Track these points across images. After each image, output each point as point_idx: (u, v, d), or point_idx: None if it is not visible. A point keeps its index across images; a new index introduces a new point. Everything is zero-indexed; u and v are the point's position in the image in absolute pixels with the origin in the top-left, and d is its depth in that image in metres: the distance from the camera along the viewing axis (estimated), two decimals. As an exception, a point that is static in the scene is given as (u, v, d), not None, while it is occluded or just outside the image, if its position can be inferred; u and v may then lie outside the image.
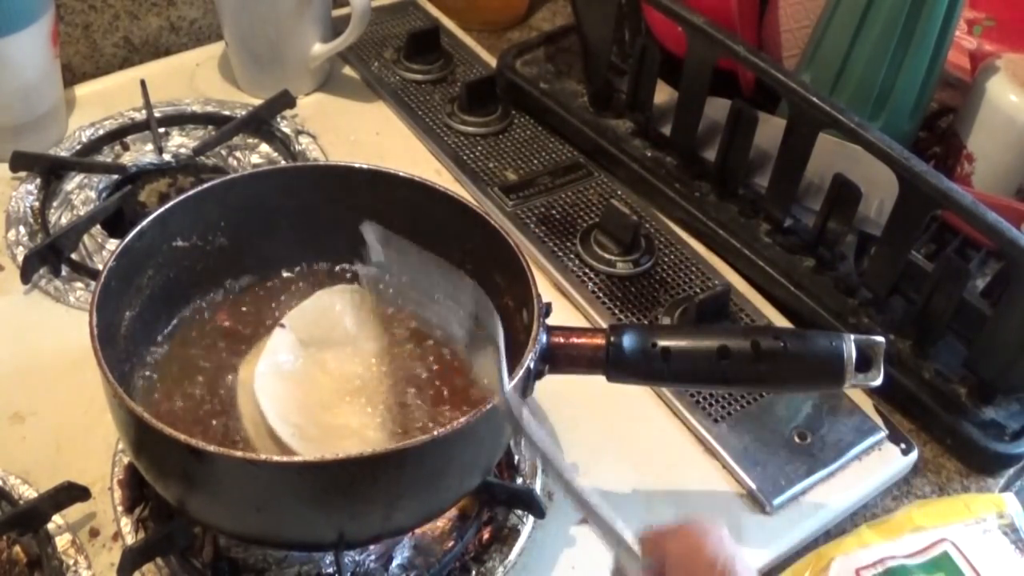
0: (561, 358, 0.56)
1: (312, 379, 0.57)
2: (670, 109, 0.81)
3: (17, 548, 0.56)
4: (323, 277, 0.65)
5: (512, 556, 0.59)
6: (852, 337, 0.55)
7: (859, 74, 0.73)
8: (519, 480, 0.62)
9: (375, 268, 0.55)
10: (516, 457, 0.63)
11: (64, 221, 0.76)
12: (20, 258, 0.72)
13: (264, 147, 0.85)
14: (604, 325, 0.67)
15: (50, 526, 0.57)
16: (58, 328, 0.69)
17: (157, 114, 0.84)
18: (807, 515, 0.63)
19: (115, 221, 0.76)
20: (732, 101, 0.75)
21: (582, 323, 0.73)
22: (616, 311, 0.73)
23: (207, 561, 0.56)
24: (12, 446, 0.62)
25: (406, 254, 0.53)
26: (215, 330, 0.62)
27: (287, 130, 0.85)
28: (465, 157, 0.85)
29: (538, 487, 0.62)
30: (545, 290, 0.71)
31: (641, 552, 0.44)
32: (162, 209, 0.58)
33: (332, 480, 0.48)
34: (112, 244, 0.74)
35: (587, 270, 0.76)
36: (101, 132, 0.83)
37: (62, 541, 0.57)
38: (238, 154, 0.83)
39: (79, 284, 0.71)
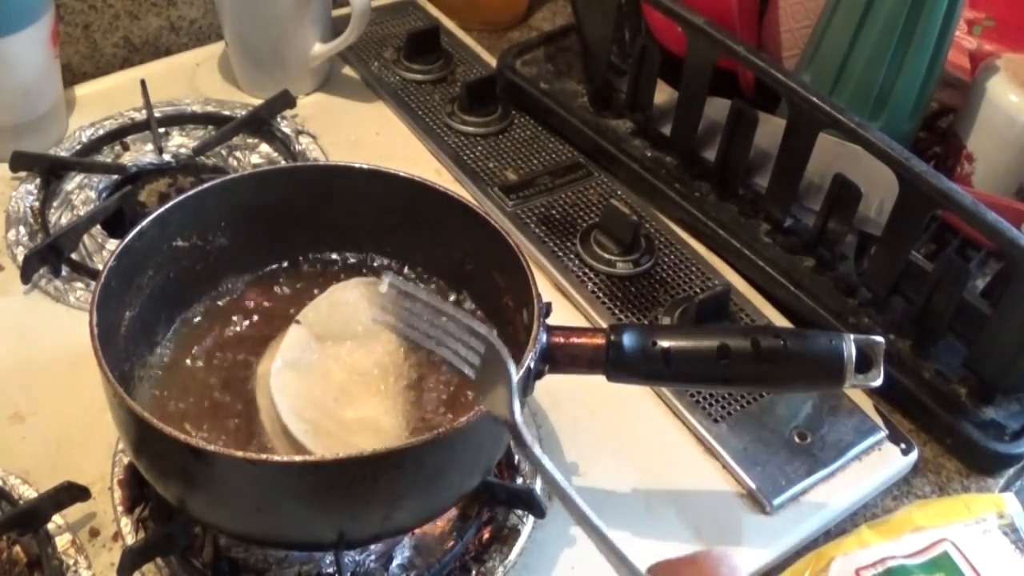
0: (561, 358, 0.56)
1: (328, 373, 0.57)
2: (670, 109, 0.81)
3: (17, 548, 0.56)
4: (323, 276, 0.65)
5: (512, 556, 0.59)
6: (852, 337, 0.55)
7: (859, 74, 0.73)
8: (519, 480, 0.62)
9: (385, 311, 0.55)
10: (516, 457, 0.63)
11: (64, 221, 0.76)
12: (20, 258, 0.72)
13: (264, 147, 0.85)
14: (604, 325, 0.67)
15: (50, 526, 0.57)
16: (58, 328, 0.69)
17: (157, 114, 0.84)
18: (807, 515, 0.63)
19: (115, 221, 0.76)
20: (732, 101, 0.75)
21: (582, 323, 0.73)
22: (616, 311, 0.73)
23: (207, 561, 0.56)
24: (12, 446, 0.62)
25: (418, 304, 0.53)
26: (215, 329, 0.62)
27: (287, 130, 0.85)
28: (465, 157, 0.85)
29: (538, 487, 0.62)
30: (545, 290, 0.71)
31: None
32: (162, 209, 0.58)
33: (332, 480, 0.48)
34: (112, 244, 0.74)
35: (587, 270, 0.76)
36: (101, 132, 0.83)
37: (62, 541, 0.57)
38: (238, 154, 0.84)
39: (79, 284, 0.71)
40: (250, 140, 0.85)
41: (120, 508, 0.59)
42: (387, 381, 0.57)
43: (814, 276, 0.74)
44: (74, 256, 0.73)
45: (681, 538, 0.61)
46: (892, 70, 0.72)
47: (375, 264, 0.66)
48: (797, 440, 0.66)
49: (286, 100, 0.85)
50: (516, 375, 0.48)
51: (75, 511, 0.58)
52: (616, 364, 0.56)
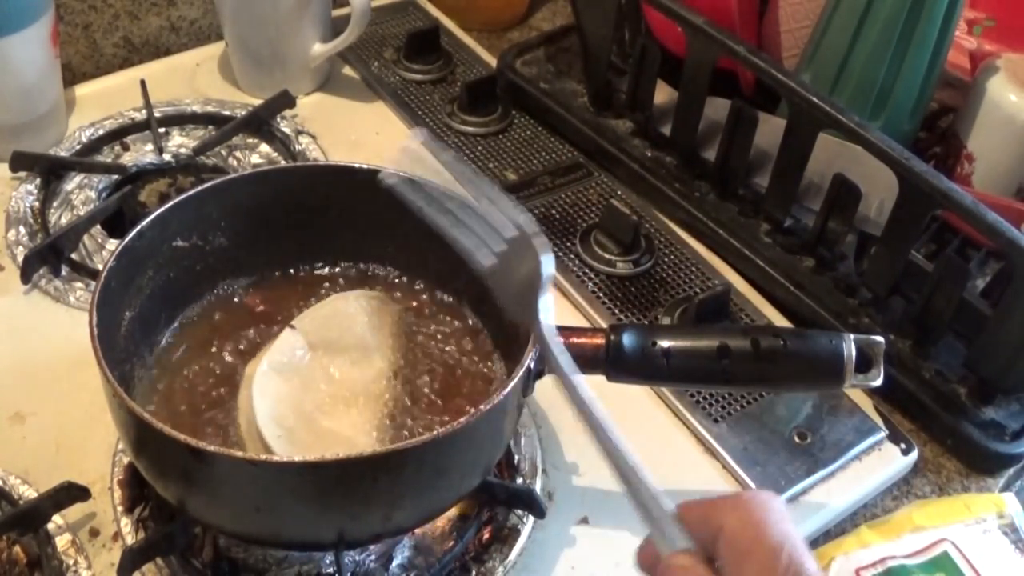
0: (561, 358, 0.56)
1: (314, 382, 0.57)
2: (670, 109, 0.81)
3: (17, 548, 0.56)
4: (324, 277, 0.65)
5: (512, 556, 0.58)
6: (852, 337, 0.55)
7: (859, 74, 0.73)
8: (519, 480, 0.62)
9: (400, 167, 0.50)
10: (516, 457, 0.63)
11: (64, 221, 0.76)
12: (20, 258, 0.72)
13: (264, 147, 0.85)
14: (604, 325, 0.67)
15: (50, 526, 0.57)
16: (58, 328, 0.69)
17: (157, 114, 0.84)
18: (807, 515, 0.63)
19: (115, 221, 0.76)
20: (732, 101, 0.75)
21: (582, 323, 0.73)
22: (616, 311, 0.73)
23: (207, 561, 0.56)
24: (12, 446, 0.62)
25: (446, 159, 0.49)
26: (215, 330, 0.62)
27: (287, 130, 0.85)
28: (465, 157, 0.85)
29: (538, 487, 0.62)
30: (545, 290, 0.71)
31: (682, 528, 0.37)
32: (162, 209, 0.58)
33: (332, 480, 0.48)
34: (112, 244, 0.74)
35: (587, 270, 0.76)
36: (101, 132, 0.83)
37: (62, 541, 0.57)
38: (238, 154, 0.83)
39: (79, 284, 0.71)
40: (250, 140, 0.85)
41: (120, 508, 0.59)
42: (371, 399, 0.57)
43: (814, 276, 0.74)
44: (74, 256, 0.73)
45: (681, 538, 0.61)
46: (892, 70, 0.72)
47: (375, 265, 0.66)
48: (797, 440, 0.66)
49: (286, 100, 0.85)
50: (550, 270, 0.44)
51: (75, 511, 0.57)
52: (616, 364, 0.56)
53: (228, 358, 0.60)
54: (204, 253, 0.62)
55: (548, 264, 0.44)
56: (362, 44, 0.95)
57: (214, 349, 0.60)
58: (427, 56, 0.94)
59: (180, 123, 0.85)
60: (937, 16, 0.70)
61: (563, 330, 0.56)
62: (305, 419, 0.55)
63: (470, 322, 0.64)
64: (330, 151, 0.85)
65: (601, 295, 0.74)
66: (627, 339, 0.56)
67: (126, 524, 0.58)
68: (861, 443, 0.66)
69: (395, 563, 0.57)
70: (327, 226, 0.64)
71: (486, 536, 0.59)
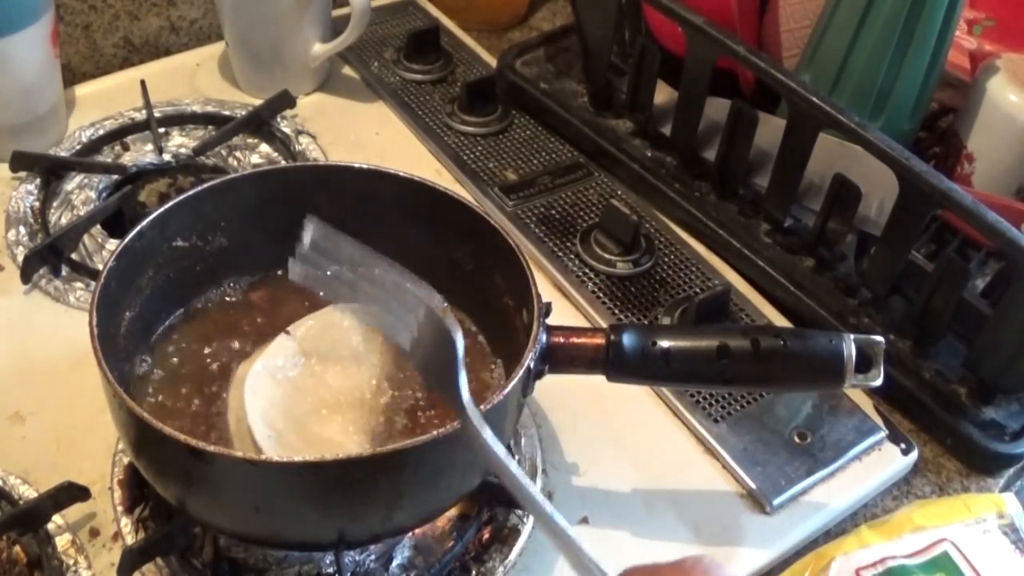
0: (561, 358, 0.56)
1: (306, 389, 0.57)
2: (670, 109, 0.81)
3: (17, 548, 0.56)
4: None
5: (512, 556, 0.59)
6: (852, 337, 0.55)
7: (859, 74, 0.73)
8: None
9: (304, 263, 0.51)
10: (516, 457, 0.63)
11: (64, 221, 0.76)
12: (20, 258, 0.72)
13: (264, 147, 0.85)
14: (604, 325, 0.67)
15: (50, 526, 0.57)
16: (58, 328, 0.69)
17: (157, 114, 0.84)
18: (807, 515, 0.63)
19: (115, 221, 0.76)
20: (732, 101, 0.75)
21: (582, 323, 0.73)
22: (616, 311, 0.73)
23: (207, 561, 0.56)
24: (12, 446, 0.62)
25: (347, 250, 0.49)
26: (215, 330, 0.62)
27: (287, 130, 0.85)
28: (465, 157, 0.85)
29: (538, 487, 0.62)
30: (545, 290, 0.71)
31: None
32: (162, 209, 0.58)
33: (332, 480, 0.48)
34: (112, 244, 0.74)
35: (587, 270, 0.76)
36: (101, 132, 0.83)
37: (62, 541, 0.57)
38: (238, 154, 0.84)
39: (79, 284, 0.71)
40: (250, 140, 0.85)
41: (120, 508, 0.59)
42: (362, 408, 0.57)
43: (814, 276, 0.74)
44: (74, 256, 0.73)
45: (681, 538, 0.61)
46: (892, 70, 0.72)
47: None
48: (797, 440, 0.66)
49: (286, 100, 0.85)
50: (462, 348, 0.45)
51: (75, 511, 0.58)
52: (616, 364, 0.56)
53: (228, 358, 0.60)
54: (204, 253, 0.62)
55: (460, 343, 0.45)
56: (362, 44, 0.95)
57: (214, 349, 0.60)
58: (427, 56, 0.94)
59: (180, 123, 0.85)
60: (937, 16, 0.70)
61: (563, 330, 0.57)
62: (295, 424, 0.55)
63: (469, 324, 0.64)
64: (330, 151, 0.85)
65: (601, 295, 0.74)
66: (627, 339, 0.56)
67: (126, 524, 0.58)
68: (861, 443, 0.66)
69: (395, 563, 0.57)
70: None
71: (486, 536, 0.59)
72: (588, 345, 0.56)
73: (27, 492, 0.58)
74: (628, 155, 0.83)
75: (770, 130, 0.74)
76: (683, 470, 0.65)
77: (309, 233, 0.51)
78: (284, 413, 0.55)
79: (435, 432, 0.48)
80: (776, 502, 0.62)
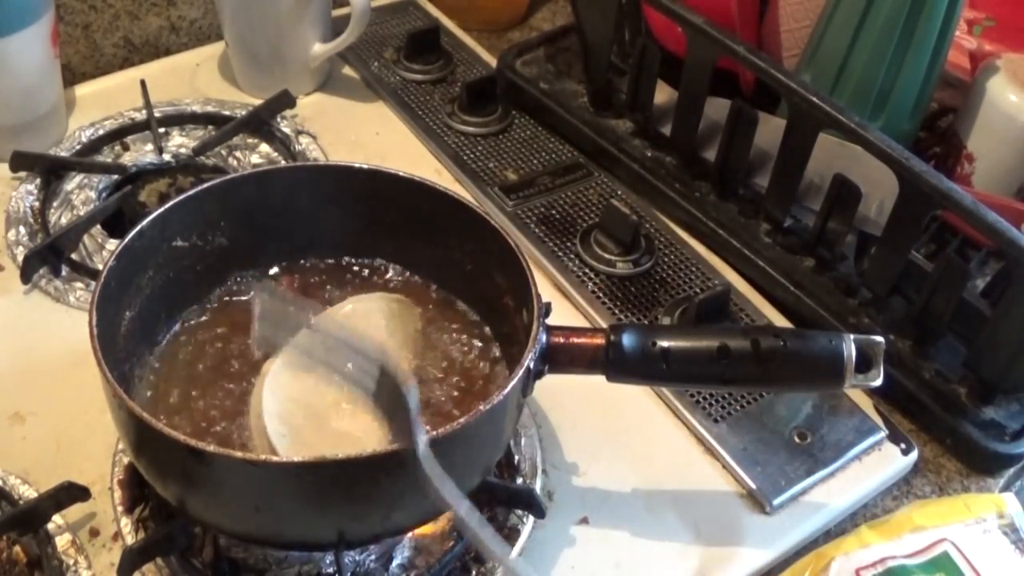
0: (561, 358, 0.56)
1: (329, 383, 0.57)
2: (670, 109, 0.81)
3: (17, 548, 0.56)
4: (323, 277, 0.65)
5: (512, 556, 0.58)
6: (852, 337, 0.55)
7: (859, 74, 0.73)
8: (519, 480, 0.62)
9: (262, 332, 0.53)
10: (516, 457, 0.63)
11: (64, 221, 0.76)
12: (20, 258, 0.72)
13: (264, 147, 0.85)
14: (604, 325, 0.67)
15: (50, 526, 0.57)
16: (58, 328, 0.69)
17: (157, 114, 0.84)
18: (807, 515, 0.63)
19: (115, 221, 0.76)
20: (732, 101, 0.75)
21: (582, 323, 0.73)
22: (616, 311, 0.73)
23: (207, 561, 0.56)
24: (12, 446, 0.62)
25: (294, 318, 0.52)
26: (215, 329, 0.62)
27: (287, 130, 0.85)
28: (465, 157, 0.85)
29: (538, 487, 0.62)
30: (545, 290, 0.71)
31: None
32: (162, 209, 0.58)
33: (332, 480, 0.48)
34: (112, 244, 0.74)
35: (587, 270, 0.76)
36: (101, 132, 0.83)
37: (62, 541, 0.57)
38: (238, 154, 0.84)
39: (79, 284, 0.71)
40: (250, 140, 0.85)
41: (120, 508, 0.59)
42: None
43: (814, 276, 0.74)
44: (74, 256, 0.73)
45: (681, 538, 0.61)
46: (892, 70, 0.72)
47: (375, 265, 0.66)
48: (797, 440, 0.66)
49: (286, 100, 0.85)
50: (415, 400, 0.47)
51: (75, 511, 0.58)
52: (616, 364, 0.56)
53: (228, 358, 0.60)
54: (204, 253, 0.62)
55: (413, 396, 0.47)
56: (362, 44, 0.95)
57: (214, 349, 0.60)
58: (427, 56, 0.94)
59: (180, 123, 0.85)
60: (937, 16, 0.70)
61: (563, 330, 0.57)
62: (315, 418, 0.55)
63: (470, 321, 0.64)
64: (330, 151, 0.85)
65: (601, 295, 0.74)
66: (627, 339, 0.56)
67: (126, 524, 0.58)
68: (861, 443, 0.66)
69: (395, 563, 0.57)
70: (327, 226, 0.64)
71: (486, 536, 0.59)
72: (588, 345, 0.56)
73: (27, 492, 0.58)
74: (628, 155, 0.83)
75: (770, 130, 0.74)
76: (683, 470, 0.65)
77: (256, 307, 0.53)
78: (304, 409, 0.55)
79: (435, 432, 0.48)
80: (776, 502, 0.62)
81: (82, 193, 0.78)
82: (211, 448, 0.47)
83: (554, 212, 0.81)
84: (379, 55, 0.95)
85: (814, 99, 0.68)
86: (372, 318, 0.60)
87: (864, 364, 0.55)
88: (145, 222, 0.57)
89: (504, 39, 1.02)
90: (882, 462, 0.66)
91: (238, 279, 0.64)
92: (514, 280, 0.58)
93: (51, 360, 0.66)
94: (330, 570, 0.56)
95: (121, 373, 0.54)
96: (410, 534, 0.58)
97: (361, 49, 0.95)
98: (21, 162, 0.78)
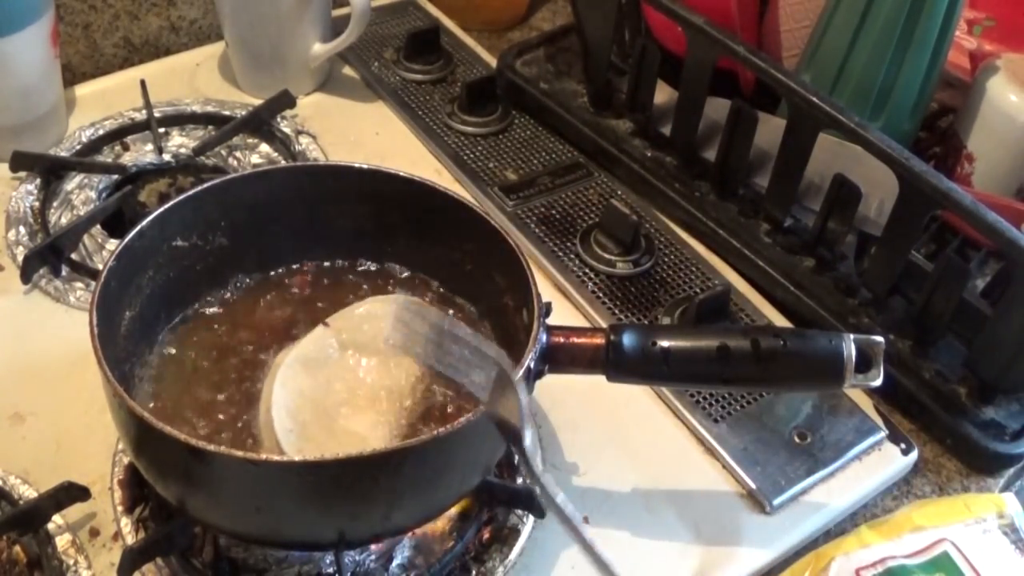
0: (561, 358, 0.56)
1: (340, 381, 0.57)
2: (670, 109, 0.81)
3: (17, 548, 0.56)
4: (323, 277, 0.65)
5: (512, 556, 0.59)
6: (852, 337, 0.55)
7: (859, 74, 0.73)
8: (519, 480, 0.62)
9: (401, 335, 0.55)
10: (516, 457, 0.63)
11: (64, 221, 0.76)
12: (20, 258, 0.72)
13: (264, 147, 0.85)
14: (604, 325, 0.67)
15: (50, 526, 0.57)
16: (58, 328, 0.69)
17: (157, 114, 0.84)
18: (807, 515, 0.63)
19: (115, 221, 0.76)
20: (732, 101, 0.75)
21: (582, 323, 0.73)
22: (616, 311, 0.73)
23: (207, 561, 0.56)
24: (12, 446, 0.62)
25: (428, 324, 0.53)
26: (215, 330, 0.62)
27: (287, 130, 0.85)
28: (465, 157, 0.85)
29: (538, 487, 0.62)
30: (545, 290, 0.71)
31: None
32: (162, 209, 0.58)
33: (332, 480, 0.48)
34: (112, 244, 0.74)
35: (587, 270, 0.76)
36: (101, 132, 0.83)
37: (62, 541, 0.57)
38: (238, 154, 0.84)
39: (79, 284, 0.71)
40: (250, 140, 0.85)
41: (120, 508, 0.59)
42: (394, 406, 0.57)
43: (814, 276, 0.74)
44: (74, 256, 0.73)
45: (681, 538, 0.61)
46: (892, 70, 0.72)
47: (375, 264, 0.66)
48: (797, 440, 0.66)
49: (286, 100, 0.85)
50: (526, 397, 0.48)
51: (75, 511, 0.58)
52: (616, 364, 0.56)
53: (228, 358, 0.60)
54: (204, 253, 0.62)
55: (524, 396, 0.49)
56: (362, 44, 0.95)
57: (214, 349, 0.60)
58: (427, 56, 0.94)
59: (180, 123, 0.85)
60: (937, 16, 0.70)
61: (563, 330, 0.57)
62: (323, 415, 0.55)
63: (470, 321, 0.64)
64: (330, 151, 0.85)
65: (601, 295, 0.74)
66: (627, 339, 0.56)
67: (126, 524, 0.58)
68: (861, 443, 0.66)
69: (395, 563, 0.57)
70: (327, 226, 0.64)
71: (486, 536, 0.59)
72: (588, 345, 0.56)
73: (27, 492, 0.58)
74: (628, 155, 0.83)
75: (770, 130, 0.74)
76: (683, 470, 0.65)
77: (397, 309, 0.54)
78: (314, 404, 0.55)
79: (435, 432, 0.48)
80: (776, 502, 0.62)
81: (82, 193, 0.78)
82: (211, 448, 0.47)
83: (554, 212, 0.81)
84: (379, 55, 0.95)
85: (814, 99, 0.68)
86: (388, 320, 0.60)
87: (864, 364, 0.55)
88: (145, 222, 0.57)
89: (504, 39, 1.02)
90: (882, 462, 0.66)
91: (238, 279, 0.64)
92: (514, 280, 0.58)
93: (51, 360, 0.66)
94: (330, 570, 0.56)
95: (121, 373, 0.54)
96: (410, 534, 0.58)
97: (361, 49, 0.95)
98: (21, 162, 0.78)
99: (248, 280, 0.64)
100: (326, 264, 0.66)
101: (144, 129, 0.84)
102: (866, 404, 0.69)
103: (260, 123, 0.85)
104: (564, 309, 0.74)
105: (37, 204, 0.76)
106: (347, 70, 0.95)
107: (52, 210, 0.77)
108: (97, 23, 0.91)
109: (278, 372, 0.56)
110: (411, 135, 0.88)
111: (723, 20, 0.74)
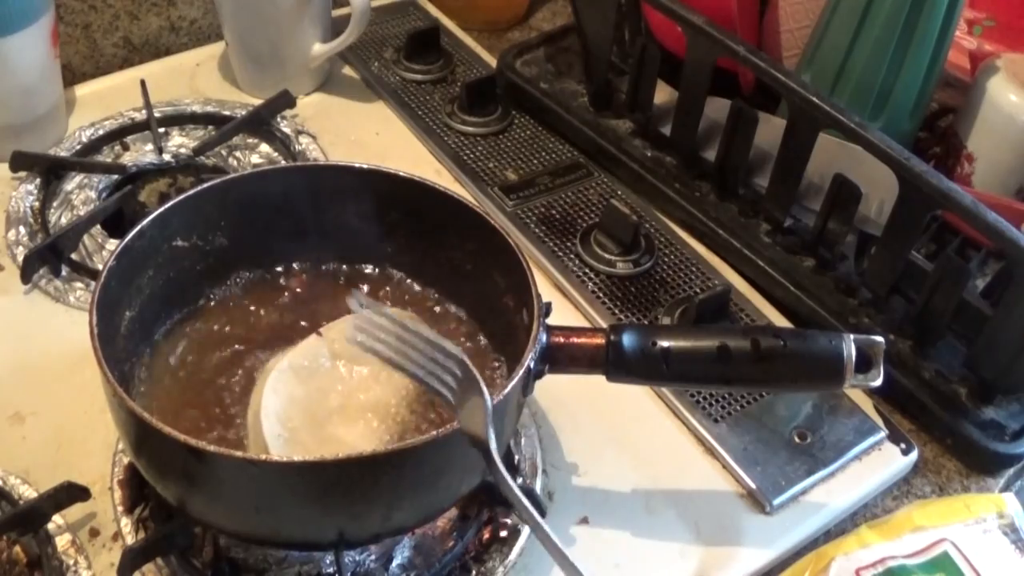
0: (561, 358, 0.56)
1: (331, 390, 0.57)
2: (670, 109, 0.81)
3: (17, 548, 0.56)
4: (323, 277, 0.65)
5: (512, 556, 0.59)
6: (852, 337, 0.55)
7: (859, 74, 0.73)
8: (519, 480, 0.62)
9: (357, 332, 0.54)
10: (516, 457, 0.63)
11: (64, 221, 0.76)
12: (20, 258, 0.72)
13: (264, 147, 0.85)
14: (604, 325, 0.67)
15: (50, 526, 0.57)
16: (58, 328, 0.69)
17: (157, 114, 0.84)
18: (807, 515, 0.63)
19: (115, 221, 0.76)
20: (732, 101, 0.75)
21: (582, 323, 0.73)
22: (616, 311, 0.73)
23: (207, 561, 0.56)
24: (12, 446, 0.62)
25: (389, 323, 0.53)
26: (215, 329, 0.62)
27: (287, 130, 0.85)
28: (465, 157, 0.85)
29: (538, 487, 0.62)
30: (545, 290, 0.71)
31: None
32: (162, 209, 0.58)
33: (332, 480, 0.48)
34: (112, 244, 0.74)
35: (587, 270, 0.76)
36: (101, 132, 0.83)
37: (62, 541, 0.57)
38: (238, 154, 0.84)
39: (79, 284, 0.71)
40: (250, 140, 0.85)
41: (120, 508, 0.59)
42: (384, 417, 0.56)
43: (814, 276, 0.74)
44: (74, 256, 0.73)
45: (681, 538, 0.61)
46: (892, 70, 0.72)
47: (375, 265, 0.66)
48: (797, 440, 0.66)
49: (286, 100, 0.85)
50: (490, 399, 0.48)
51: (75, 511, 0.57)
52: (616, 364, 0.56)
53: (228, 358, 0.60)
54: (204, 253, 0.62)
55: (488, 401, 0.48)
56: (362, 44, 0.95)
57: (214, 349, 0.60)
58: (427, 56, 0.94)
59: (180, 123, 0.85)
60: (937, 16, 0.70)
61: (563, 330, 0.57)
62: (313, 423, 0.55)
63: (470, 320, 0.64)
64: (330, 151, 0.85)
65: (601, 295, 0.74)
66: (627, 339, 0.56)
67: (126, 524, 0.58)
68: (861, 443, 0.66)
69: (395, 563, 0.57)
70: (327, 225, 0.64)
71: (486, 536, 0.59)
72: (588, 345, 0.56)
73: (27, 492, 0.58)
74: (628, 155, 0.83)
75: (770, 130, 0.74)
76: (683, 470, 0.65)
77: (356, 306, 0.53)
78: (304, 412, 0.55)
79: (435, 432, 0.48)
80: (776, 502, 0.62)
81: (82, 193, 0.78)
82: (211, 448, 0.47)
83: (554, 212, 0.81)
84: (379, 55, 0.95)
85: (814, 99, 0.68)
86: (347, 321, 0.59)
87: (864, 364, 0.55)
88: (145, 222, 0.57)
89: (504, 39, 1.02)
90: (882, 462, 0.66)
91: (238, 279, 0.64)
92: (514, 280, 0.58)
93: (51, 360, 0.66)
94: (330, 570, 0.56)
95: (121, 373, 0.54)
96: (410, 534, 0.58)
97: (361, 49, 0.95)
98: (21, 162, 0.78)
99: (248, 280, 0.64)
100: (326, 265, 0.66)
101: (144, 129, 0.84)
102: (866, 404, 0.69)
103: (260, 123, 0.85)
104: (564, 309, 0.74)
105: (37, 204, 0.76)
106: (347, 70, 0.95)
107: (52, 210, 0.77)
108: (97, 23, 0.91)
109: (269, 378, 0.56)
110: (411, 135, 0.88)
111: (723, 20, 0.74)
